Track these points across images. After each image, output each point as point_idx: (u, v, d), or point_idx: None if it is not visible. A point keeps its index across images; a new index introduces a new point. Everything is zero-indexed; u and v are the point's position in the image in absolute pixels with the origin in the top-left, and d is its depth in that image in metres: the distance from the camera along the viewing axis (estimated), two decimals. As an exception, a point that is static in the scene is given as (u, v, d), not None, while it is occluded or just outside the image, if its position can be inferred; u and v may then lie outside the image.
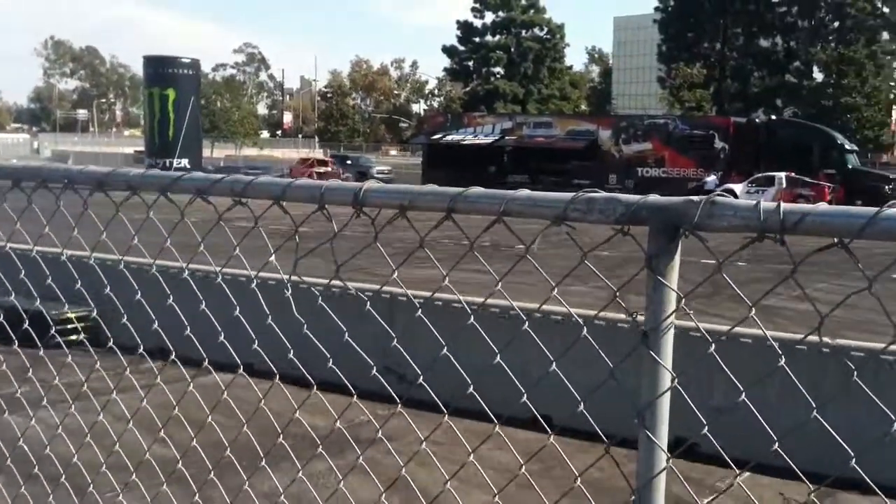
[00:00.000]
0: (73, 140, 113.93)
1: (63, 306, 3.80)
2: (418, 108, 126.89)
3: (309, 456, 2.90)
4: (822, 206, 1.38)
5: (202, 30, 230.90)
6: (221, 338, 2.64)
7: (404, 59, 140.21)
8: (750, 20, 77.33)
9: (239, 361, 2.65)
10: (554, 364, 1.97)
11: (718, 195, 1.49)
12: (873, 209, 1.33)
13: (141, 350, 2.86)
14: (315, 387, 2.38)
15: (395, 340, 2.51)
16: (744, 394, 1.64)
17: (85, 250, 2.72)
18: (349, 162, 61.61)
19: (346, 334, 2.43)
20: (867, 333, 10.23)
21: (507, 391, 2.39)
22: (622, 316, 7.87)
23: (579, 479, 1.87)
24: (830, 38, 76.49)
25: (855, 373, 1.77)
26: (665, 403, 1.61)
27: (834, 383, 7.02)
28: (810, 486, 1.66)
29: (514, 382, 2.32)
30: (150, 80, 48.65)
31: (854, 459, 1.62)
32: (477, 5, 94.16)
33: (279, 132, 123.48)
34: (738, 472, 1.72)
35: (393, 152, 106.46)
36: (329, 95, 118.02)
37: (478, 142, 52.16)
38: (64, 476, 3.08)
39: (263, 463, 2.60)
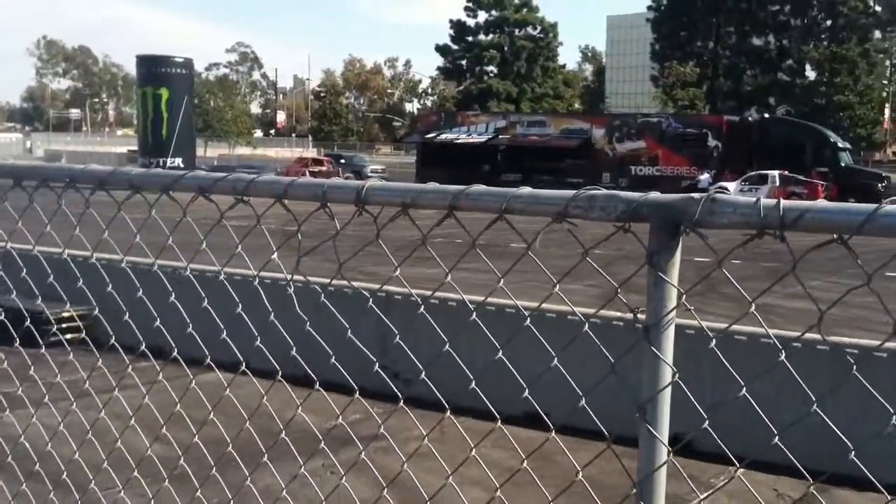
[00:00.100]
0: (66, 140, 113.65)
1: (63, 305, 3.80)
2: (412, 107, 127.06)
3: (303, 454, 2.91)
4: (822, 202, 1.40)
5: (195, 29, 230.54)
6: (223, 335, 2.65)
7: (398, 58, 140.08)
8: (743, 19, 77.50)
9: (242, 358, 2.67)
10: (556, 359, 1.98)
11: (718, 192, 1.51)
12: (872, 206, 1.35)
13: (143, 348, 2.86)
14: (318, 383, 2.40)
15: (392, 339, 2.52)
16: (745, 388, 1.66)
17: (85, 249, 2.74)
18: (343, 161, 61.63)
19: (346, 333, 2.44)
20: (861, 331, 10.28)
21: (502, 389, 2.40)
22: (617, 314, 7.90)
23: (580, 473, 1.88)
24: (823, 36, 76.70)
25: (854, 367, 1.79)
26: (666, 398, 1.63)
27: (827, 380, 7.06)
28: (810, 478, 1.68)
29: (507, 380, 2.34)
30: (143, 80, 48.62)
31: (853, 452, 1.64)
32: (470, 4, 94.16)
33: (272, 131, 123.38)
34: (738, 465, 1.74)
35: (385, 151, 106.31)
36: (322, 94, 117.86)
37: (471, 141, 52.23)
38: (65, 473, 3.09)
39: (266, 459, 2.62)
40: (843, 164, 42.71)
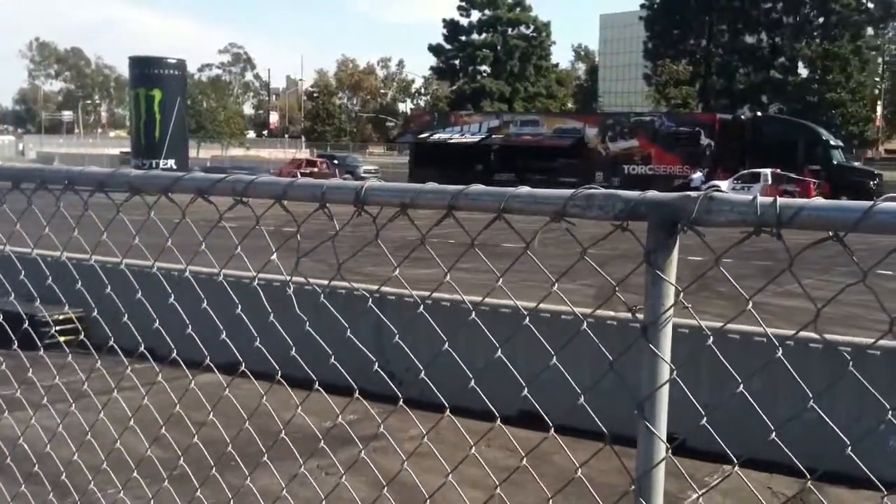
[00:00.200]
0: (59, 142, 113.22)
1: (62, 307, 3.81)
2: (405, 107, 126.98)
3: (302, 454, 2.92)
4: (818, 200, 1.41)
5: (187, 30, 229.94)
6: (222, 336, 2.66)
7: (390, 58, 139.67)
8: (735, 16, 77.54)
9: (241, 359, 2.68)
10: (554, 358, 2.00)
11: (715, 191, 1.52)
12: (868, 203, 1.36)
13: (142, 349, 2.87)
14: (317, 383, 2.41)
15: (389, 339, 2.53)
16: (742, 385, 1.68)
17: (84, 251, 2.74)
18: (336, 161, 61.47)
19: (345, 333, 2.45)
20: (854, 329, 10.32)
21: (497, 389, 2.40)
22: (611, 313, 7.92)
23: (580, 470, 1.90)
24: (815, 33, 76.76)
25: (850, 363, 1.81)
26: (664, 396, 1.65)
27: (819, 378, 7.08)
28: (808, 474, 1.70)
29: (503, 380, 2.35)
30: (135, 81, 48.58)
31: (850, 448, 1.65)
32: (463, 4, 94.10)
33: (265, 132, 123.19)
34: (735, 461, 1.76)
35: (378, 151, 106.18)
36: (315, 95, 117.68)
37: (465, 140, 52.21)
38: (64, 474, 3.10)
39: (266, 458, 2.63)
40: (835, 162, 42.80)
